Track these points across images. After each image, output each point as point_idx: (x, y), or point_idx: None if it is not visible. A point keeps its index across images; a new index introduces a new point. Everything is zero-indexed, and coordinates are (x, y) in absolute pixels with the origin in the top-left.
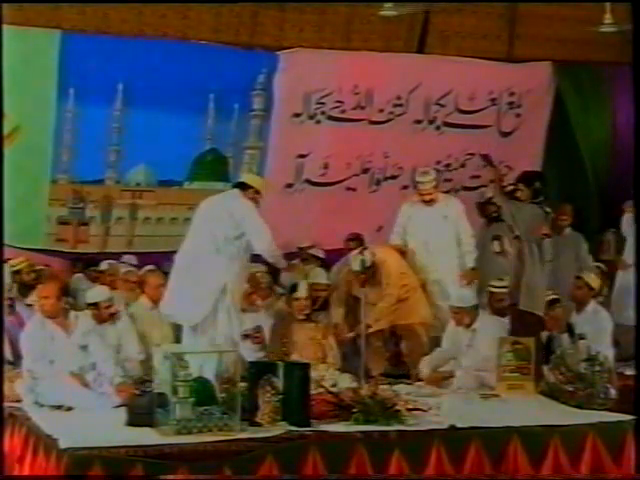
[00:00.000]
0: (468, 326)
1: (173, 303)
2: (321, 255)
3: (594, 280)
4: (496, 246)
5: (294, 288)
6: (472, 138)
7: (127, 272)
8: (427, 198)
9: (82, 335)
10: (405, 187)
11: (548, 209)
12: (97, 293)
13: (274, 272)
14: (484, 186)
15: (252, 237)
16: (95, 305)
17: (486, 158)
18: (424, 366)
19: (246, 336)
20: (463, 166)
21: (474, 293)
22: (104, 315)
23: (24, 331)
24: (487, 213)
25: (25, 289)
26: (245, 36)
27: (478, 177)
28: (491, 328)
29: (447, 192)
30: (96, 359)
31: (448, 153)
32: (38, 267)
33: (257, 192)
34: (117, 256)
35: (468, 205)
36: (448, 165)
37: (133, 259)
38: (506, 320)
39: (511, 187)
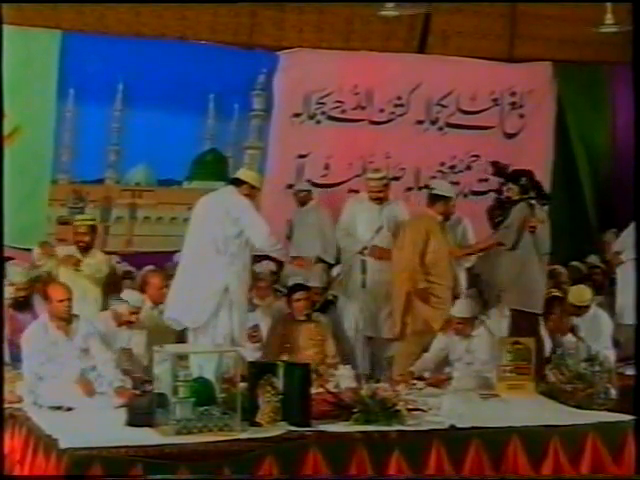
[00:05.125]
0: (468, 336)
1: (177, 306)
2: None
3: (581, 295)
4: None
5: (294, 288)
6: (476, 139)
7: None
8: (376, 195)
9: (83, 338)
10: (409, 189)
11: (532, 201)
12: (131, 295)
13: (276, 272)
14: (493, 190)
15: (250, 233)
16: (123, 304)
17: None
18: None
19: None
20: (469, 168)
21: (474, 304)
22: (125, 317)
23: (26, 334)
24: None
25: None
26: (244, 36)
27: (486, 180)
28: (489, 334)
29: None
30: (97, 362)
31: (452, 154)
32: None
33: (252, 187)
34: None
35: (478, 211)
36: (453, 167)
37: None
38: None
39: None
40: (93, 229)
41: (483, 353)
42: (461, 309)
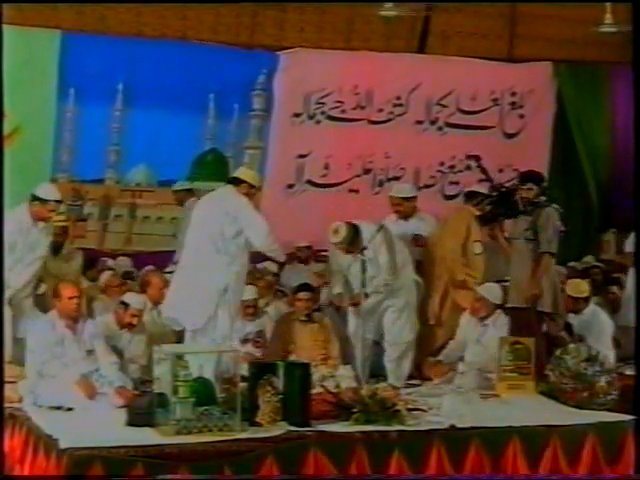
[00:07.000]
0: (482, 319)
1: (176, 306)
2: None
3: (579, 286)
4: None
5: (300, 288)
6: (476, 139)
7: (110, 277)
8: (345, 252)
9: (90, 339)
10: None
11: (556, 205)
12: (133, 298)
13: (277, 273)
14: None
15: (249, 232)
16: (126, 306)
17: (476, 159)
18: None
19: (246, 340)
20: (469, 168)
21: (502, 292)
22: (127, 319)
23: (33, 330)
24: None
25: None
26: (245, 36)
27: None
28: (503, 328)
29: (454, 196)
30: (100, 363)
31: (452, 154)
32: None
33: (251, 186)
34: (114, 254)
35: None
36: (453, 167)
37: (127, 261)
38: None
39: (505, 189)
40: (64, 230)
41: (493, 347)
42: (484, 288)
